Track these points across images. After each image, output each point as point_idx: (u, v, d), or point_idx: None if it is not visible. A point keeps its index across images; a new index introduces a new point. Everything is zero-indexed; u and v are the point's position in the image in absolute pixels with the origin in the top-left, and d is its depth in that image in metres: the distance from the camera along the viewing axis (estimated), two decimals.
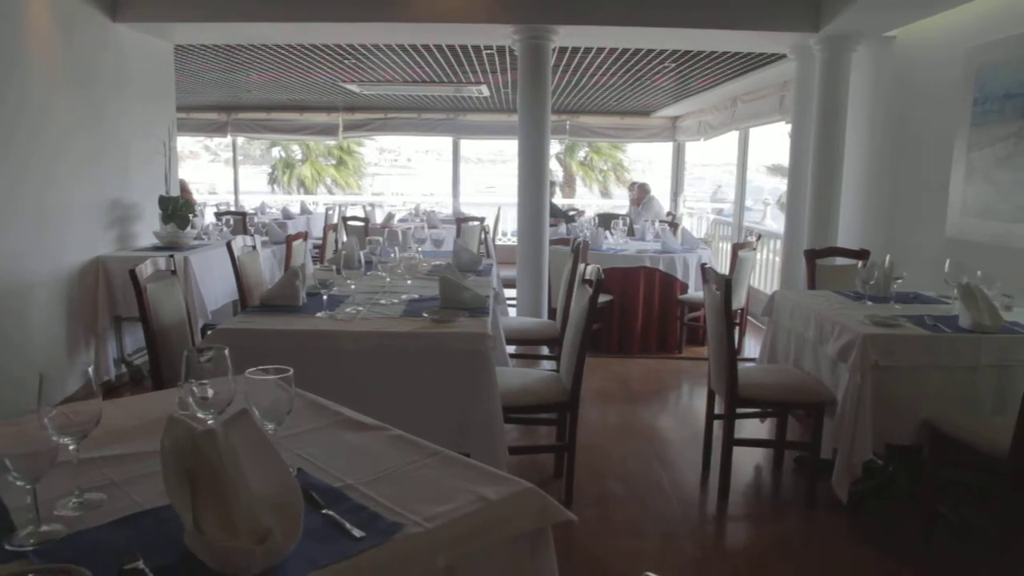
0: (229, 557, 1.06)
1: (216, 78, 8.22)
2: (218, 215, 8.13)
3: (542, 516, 1.36)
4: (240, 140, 12.95)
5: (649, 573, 0.93)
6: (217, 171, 19.81)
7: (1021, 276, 3.58)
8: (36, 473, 1.17)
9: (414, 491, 1.35)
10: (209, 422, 1.38)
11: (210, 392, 1.45)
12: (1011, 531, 2.61)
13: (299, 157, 19.83)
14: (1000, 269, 3.41)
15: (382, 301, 3.23)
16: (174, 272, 3.47)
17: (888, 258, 3.59)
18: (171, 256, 3.46)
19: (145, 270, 3.13)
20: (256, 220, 8.37)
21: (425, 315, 2.92)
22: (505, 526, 1.30)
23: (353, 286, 3.45)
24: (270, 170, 19.82)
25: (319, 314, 2.95)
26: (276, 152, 19.87)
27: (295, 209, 10.89)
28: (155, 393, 2.08)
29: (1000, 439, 2.56)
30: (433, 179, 21.18)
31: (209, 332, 2.95)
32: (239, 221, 7.57)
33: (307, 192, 18.65)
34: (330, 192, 19.23)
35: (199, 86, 8.69)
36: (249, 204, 11.70)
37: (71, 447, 1.28)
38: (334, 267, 3.22)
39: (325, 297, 3.03)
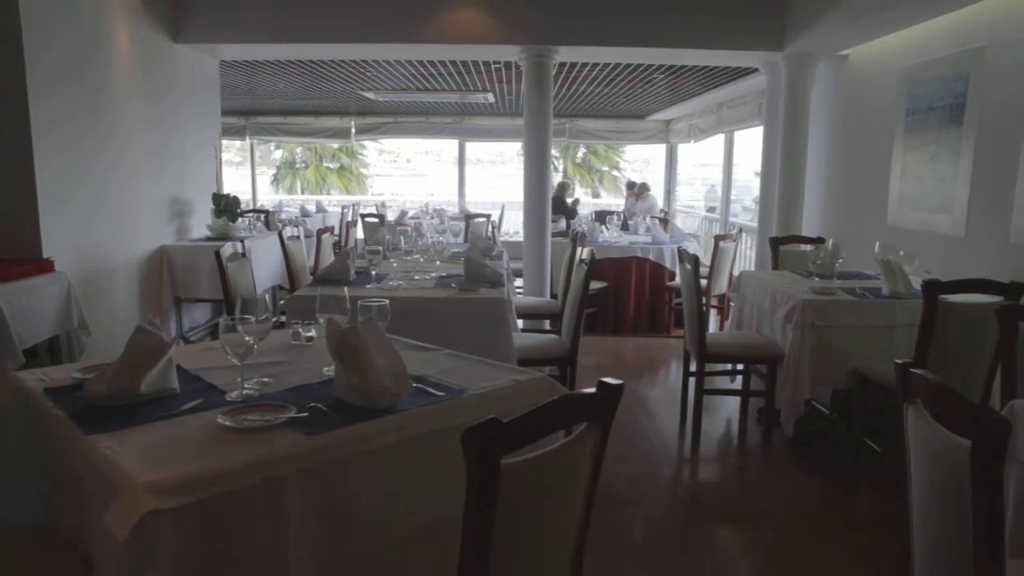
0: (370, 394, 1.80)
1: (243, 87, 8.96)
2: (241, 212, 8.84)
3: (552, 391, 2.10)
4: (247, 142, 13.58)
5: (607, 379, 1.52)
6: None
7: (941, 255, 4.33)
8: (243, 357, 1.92)
9: (470, 376, 2.10)
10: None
11: (321, 321, 2.22)
12: None
13: (301, 159, 20.57)
14: (926, 250, 4.17)
15: (416, 277, 3.97)
16: (244, 255, 4.23)
17: (831, 242, 4.34)
18: (243, 241, 4.21)
19: (227, 251, 3.88)
20: (282, 217, 9.11)
21: (454, 286, 3.67)
22: (530, 394, 2.04)
23: (395, 264, 4.20)
24: (274, 171, 20.57)
25: (368, 286, 3.68)
26: (278, 154, 20.56)
27: (311, 208, 11.62)
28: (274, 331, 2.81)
29: None
30: (435, 180, 21.82)
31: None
32: (264, 218, 8.30)
33: (310, 194, 19.38)
34: (328, 194, 19.94)
35: (225, 94, 9.39)
36: (262, 204, 12.41)
37: (255, 346, 2.02)
38: (379, 248, 3.96)
39: (374, 272, 3.78)
